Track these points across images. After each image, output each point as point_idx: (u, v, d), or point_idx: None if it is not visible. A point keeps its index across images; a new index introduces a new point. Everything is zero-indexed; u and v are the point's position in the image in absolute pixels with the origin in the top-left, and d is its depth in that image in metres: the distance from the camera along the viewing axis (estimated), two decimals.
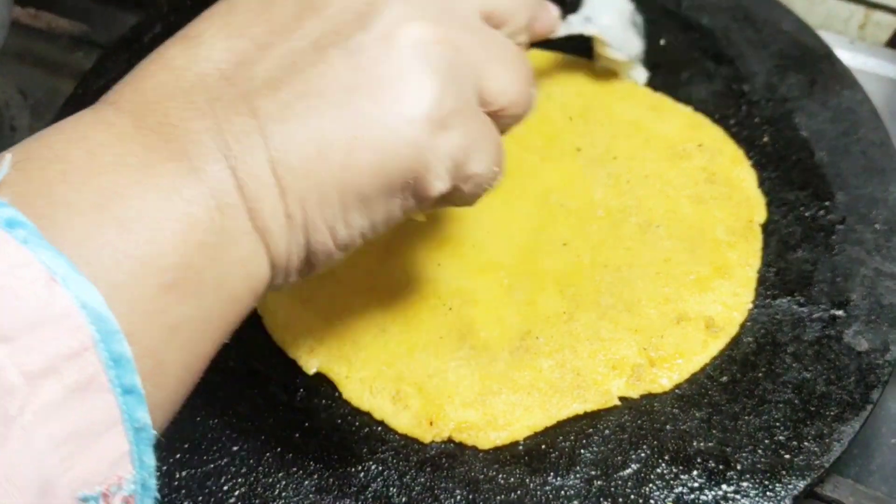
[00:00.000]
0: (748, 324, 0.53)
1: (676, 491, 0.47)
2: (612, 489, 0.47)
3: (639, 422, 0.50)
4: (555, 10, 0.47)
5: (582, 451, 0.49)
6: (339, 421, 0.51)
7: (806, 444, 0.48)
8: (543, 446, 0.49)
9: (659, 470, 0.48)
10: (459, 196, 0.37)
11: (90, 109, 0.33)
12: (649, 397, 0.51)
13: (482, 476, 0.48)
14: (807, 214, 0.58)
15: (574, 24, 0.59)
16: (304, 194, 0.32)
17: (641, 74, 0.66)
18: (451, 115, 0.33)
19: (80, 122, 0.32)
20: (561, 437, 0.50)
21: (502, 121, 0.38)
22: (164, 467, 0.49)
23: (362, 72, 0.32)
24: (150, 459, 0.28)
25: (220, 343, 0.33)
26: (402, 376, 0.52)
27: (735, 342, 0.53)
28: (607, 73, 0.66)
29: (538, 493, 0.47)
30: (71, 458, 0.24)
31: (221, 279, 0.31)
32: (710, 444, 0.48)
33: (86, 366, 0.24)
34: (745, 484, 0.47)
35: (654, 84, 0.66)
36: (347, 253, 0.36)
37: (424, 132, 0.32)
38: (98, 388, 0.25)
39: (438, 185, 0.34)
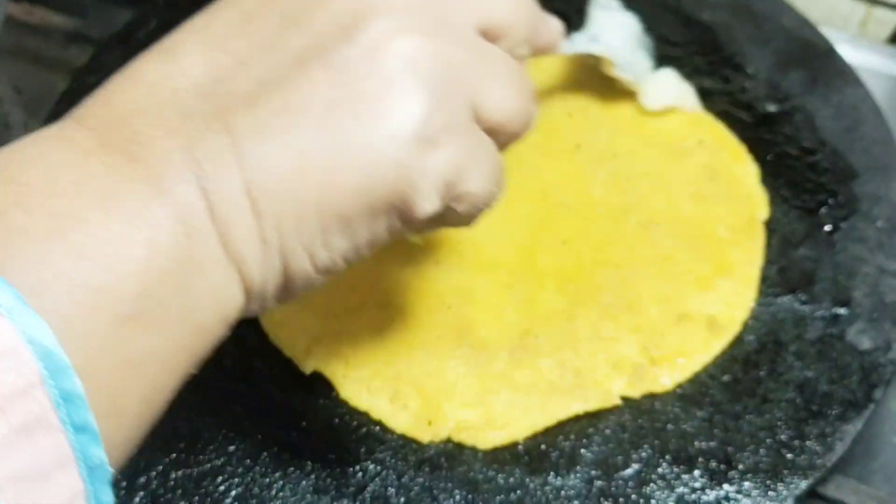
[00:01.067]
0: (750, 322, 0.53)
1: (678, 491, 0.46)
2: (613, 489, 0.47)
3: (640, 421, 0.50)
4: (558, 27, 0.46)
5: (582, 451, 0.49)
6: (337, 421, 0.51)
7: (808, 443, 0.48)
8: (543, 446, 0.49)
9: (660, 470, 0.47)
10: (453, 217, 0.35)
11: (55, 126, 0.31)
12: (650, 397, 0.51)
13: (481, 476, 0.48)
14: (809, 211, 0.58)
15: (579, 43, 0.57)
16: (280, 217, 0.30)
17: (653, 101, 0.62)
18: (442, 132, 0.31)
19: (40, 140, 0.30)
20: (561, 437, 0.49)
21: (500, 138, 0.36)
22: (160, 467, 0.48)
23: (345, 87, 0.30)
24: (108, 497, 0.26)
25: (186, 375, 0.31)
26: (401, 376, 0.51)
27: (737, 341, 0.52)
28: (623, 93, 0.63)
29: (538, 493, 0.47)
30: (18, 500, 0.23)
31: (188, 309, 0.29)
32: (711, 444, 0.48)
33: (33, 404, 0.23)
34: (747, 484, 0.46)
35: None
36: (329, 277, 0.34)
37: (411, 151, 0.30)
38: (47, 426, 0.24)
39: (427, 206, 0.32)
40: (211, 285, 0.30)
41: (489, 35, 0.36)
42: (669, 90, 0.63)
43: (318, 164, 0.30)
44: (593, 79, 0.66)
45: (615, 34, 0.59)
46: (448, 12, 0.33)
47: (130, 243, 0.27)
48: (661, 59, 0.67)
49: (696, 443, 0.48)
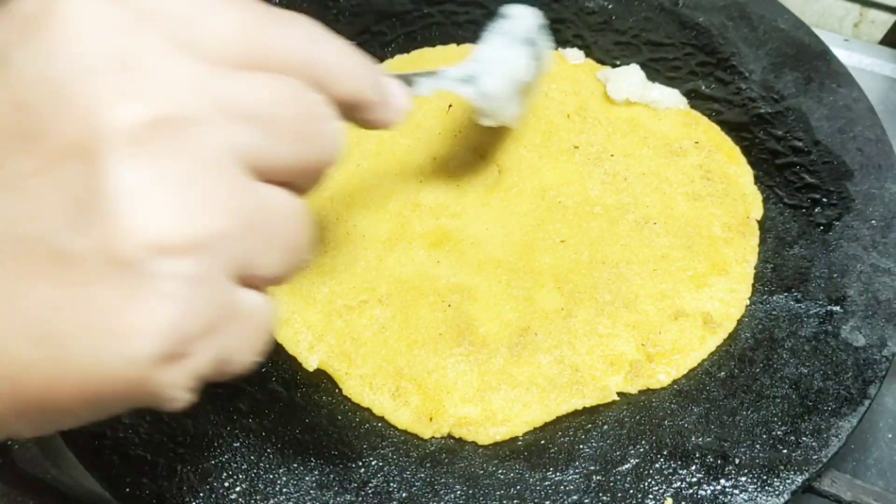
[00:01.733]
0: (745, 320, 0.54)
1: (675, 486, 0.47)
2: (611, 484, 0.47)
3: (637, 417, 0.50)
4: (398, 98, 0.36)
5: (581, 446, 0.49)
6: (340, 417, 0.51)
7: (803, 439, 0.48)
8: (542, 441, 0.50)
9: (657, 465, 0.48)
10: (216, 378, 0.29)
11: None
12: (647, 393, 0.51)
13: (482, 471, 0.49)
14: (803, 211, 0.59)
15: (446, 81, 0.49)
16: None
17: (615, 93, 0.64)
18: (195, 341, 0.26)
19: None
20: (560, 433, 0.50)
21: (263, 286, 0.30)
22: (166, 463, 0.49)
23: (72, 289, 0.24)
24: None
25: None
26: (402, 373, 0.52)
27: (732, 338, 0.53)
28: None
29: (537, 487, 0.48)
30: None
31: None
32: (708, 440, 0.49)
33: None
34: (743, 479, 0.47)
35: (652, 81, 0.66)
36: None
37: (153, 370, 0.25)
38: None
39: (176, 405, 0.27)
40: None
41: (262, 173, 0.28)
42: (633, 87, 0.63)
43: (33, 371, 0.25)
44: (591, 80, 0.67)
45: (494, 78, 0.51)
46: (201, 151, 0.25)
47: None
48: (658, 62, 0.68)
49: (693, 438, 0.49)
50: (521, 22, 0.54)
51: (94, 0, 0.25)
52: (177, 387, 0.26)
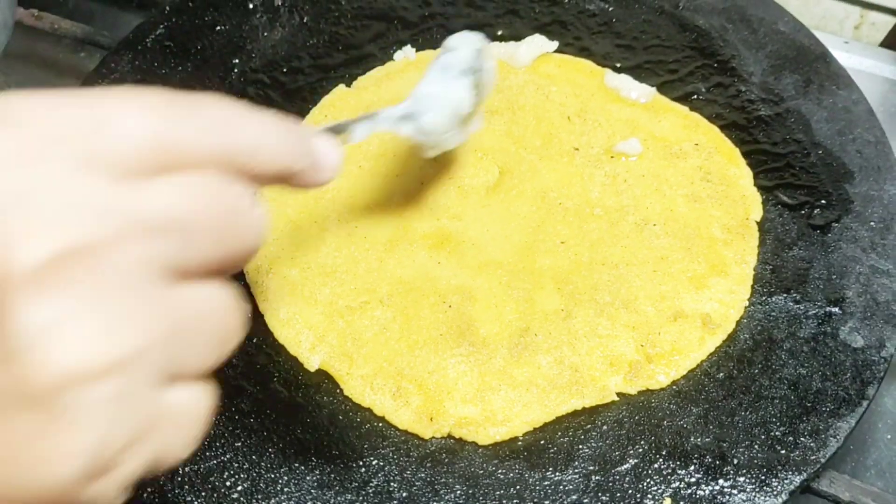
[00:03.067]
0: (744, 321, 0.54)
1: (674, 486, 0.47)
2: (610, 484, 0.48)
3: (636, 418, 0.51)
4: (327, 157, 0.34)
5: (580, 446, 0.50)
6: (341, 417, 0.52)
7: (802, 439, 0.48)
8: (542, 442, 0.50)
9: (656, 465, 0.48)
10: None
11: None
12: (647, 393, 0.52)
13: (482, 471, 0.49)
14: (802, 212, 0.59)
15: (383, 122, 0.48)
16: None
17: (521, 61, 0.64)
18: (118, 453, 0.25)
19: None
20: (559, 433, 0.50)
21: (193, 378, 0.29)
22: None
23: None
24: None
25: None
26: (403, 373, 0.52)
27: (731, 339, 0.53)
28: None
29: (537, 487, 0.48)
30: None
31: None
32: (706, 440, 0.49)
33: None
34: (741, 479, 0.47)
35: (651, 84, 0.66)
36: None
37: (80, 487, 0.25)
38: None
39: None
40: None
41: (182, 273, 0.27)
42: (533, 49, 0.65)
43: None
44: (591, 82, 0.67)
45: (434, 111, 0.50)
46: (112, 272, 0.25)
47: None
48: (658, 64, 0.69)
49: (692, 439, 0.49)
50: (463, 52, 0.54)
51: None
52: (108, 494, 0.26)
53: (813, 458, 0.48)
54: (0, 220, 0.23)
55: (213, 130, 0.28)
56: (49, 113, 0.25)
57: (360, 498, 0.48)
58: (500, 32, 0.72)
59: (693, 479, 0.47)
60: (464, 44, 0.54)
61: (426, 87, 0.52)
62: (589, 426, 0.50)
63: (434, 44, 0.72)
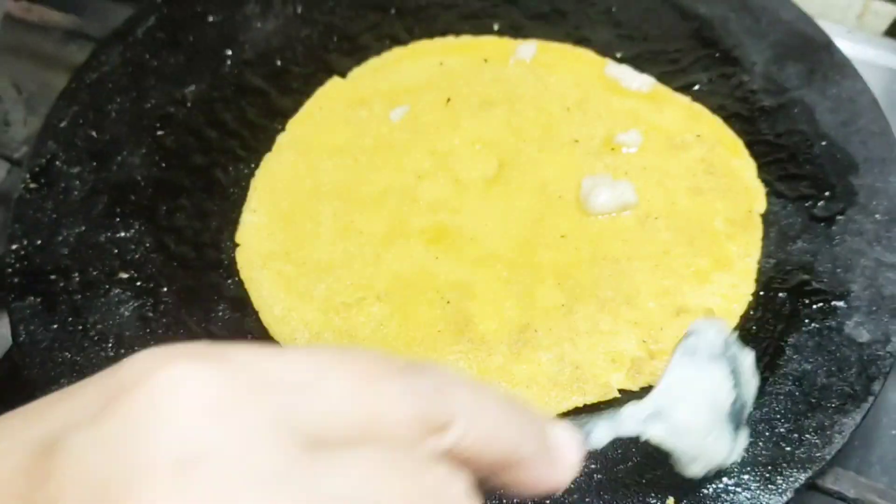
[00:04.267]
0: (748, 315, 0.53)
1: (677, 484, 0.47)
2: (613, 483, 0.47)
3: None
4: (566, 451, 0.29)
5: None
6: None
7: (807, 436, 0.48)
8: None
9: (659, 463, 0.48)
10: None
11: None
12: (649, 390, 0.50)
13: None
14: (806, 205, 0.58)
15: (627, 423, 0.39)
16: None
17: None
18: None
19: None
20: None
21: None
22: None
23: None
24: None
25: None
26: None
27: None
28: None
29: None
30: None
31: None
32: None
33: None
34: (746, 476, 0.47)
35: (652, 74, 0.66)
36: None
37: None
38: None
39: None
40: None
41: None
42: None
43: None
44: (591, 72, 0.66)
45: (685, 406, 0.41)
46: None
47: None
48: (659, 54, 0.68)
49: None
50: (710, 334, 0.44)
51: (199, 369, 0.22)
52: None
53: (818, 455, 0.47)
54: (150, 484, 0.21)
55: (427, 396, 0.24)
56: (257, 360, 0.24)
57: None
58: (496, 27, 0.71)
59: (696, 478, 0.47)
60: (710, 328, 0.44)
61: (672, 377, 0.42)
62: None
63: (430, 34, 0.71)
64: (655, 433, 0.40)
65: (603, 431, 0.37)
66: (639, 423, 0.39)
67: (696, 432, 0.41)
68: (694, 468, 0.42)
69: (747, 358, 0.44)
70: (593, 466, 0.48)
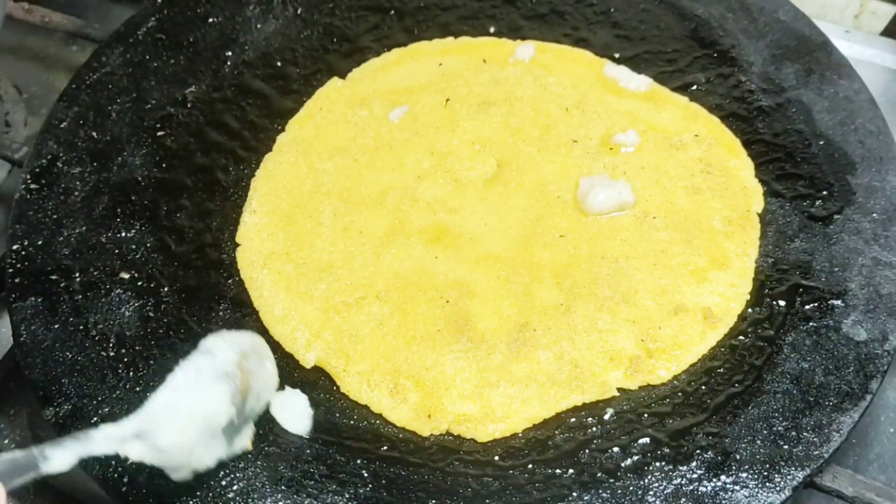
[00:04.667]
0: (746, 314, 0.53)
1: (675, 482, 0.47)
2: (612, 480, 0.47)
3: (637, 413, 0.50)
4: None
5: (580, 442, 0.49)
6: (338, 414, 0.51)
7: (805, 434, 0.48)
8: (542, 438, 0.49)
9: (658, 462, 0.48)
10: None
11: None
12: (647, 388, 0.51)
13: (481, 469, 0.48)
14: (804, 204, 0.58)
15: (100, 443, 0.41)
16: None
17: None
18: None
19: None
20: (559, 429, 0.50)
21: None
22: None
23: None
24: None
25: None
26: (400, 369, 0.52)
27: (733, 333, 0.53)
28: None
29: (537, 484, 0.47)
30: None
31: None
32: (708, 436, 0.48)
33: None
34: (744, 475, 0.47)
35: (650, 74, 0.66)
36: None
37: None
38: None
39: None
40: None
41: None
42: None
43: None
44: (589, 73, 0.67)
45: (170, 427, 0.43)
46: None
47: None
48: (657, 54, 0.68)
49: (694, 434, 0.48)
50: (217, 356, 0.46)
51: None
52: None
53: (816, 453, 0.47)
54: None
55: None
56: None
57: (359, 496, 0.47)
58: (492, 29, 0.71)
59: (695, 476, 0.47)
60: (220, 348, 0.46)
61: (163, 397, 0.43)
62: (589, 422, 0.50)
63: (429, 35, 0.71)
64: (135, 452, 0.41)
65: (62, 459, 0.38)
66: (116, 443, 0.41)
67: (181, 451, 0.43)
68: (179, 475, 0.44)
69: (269, 371, 0.48)
70: (592, 464, 0.48)
